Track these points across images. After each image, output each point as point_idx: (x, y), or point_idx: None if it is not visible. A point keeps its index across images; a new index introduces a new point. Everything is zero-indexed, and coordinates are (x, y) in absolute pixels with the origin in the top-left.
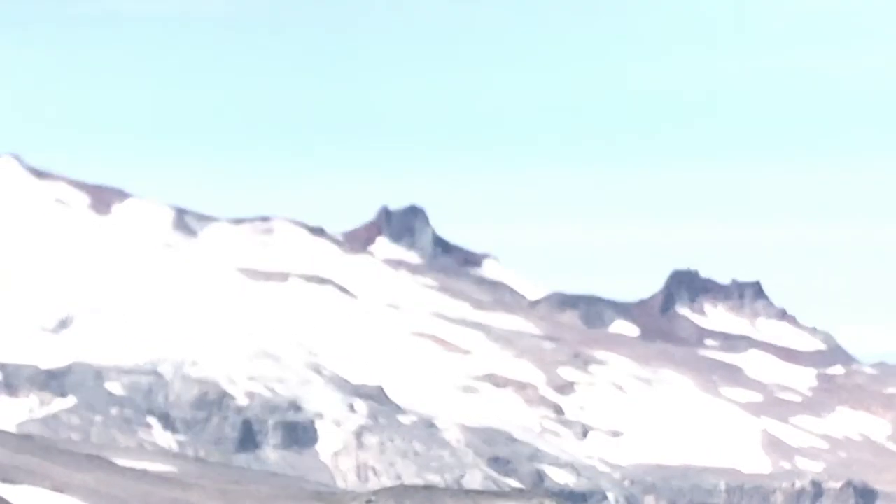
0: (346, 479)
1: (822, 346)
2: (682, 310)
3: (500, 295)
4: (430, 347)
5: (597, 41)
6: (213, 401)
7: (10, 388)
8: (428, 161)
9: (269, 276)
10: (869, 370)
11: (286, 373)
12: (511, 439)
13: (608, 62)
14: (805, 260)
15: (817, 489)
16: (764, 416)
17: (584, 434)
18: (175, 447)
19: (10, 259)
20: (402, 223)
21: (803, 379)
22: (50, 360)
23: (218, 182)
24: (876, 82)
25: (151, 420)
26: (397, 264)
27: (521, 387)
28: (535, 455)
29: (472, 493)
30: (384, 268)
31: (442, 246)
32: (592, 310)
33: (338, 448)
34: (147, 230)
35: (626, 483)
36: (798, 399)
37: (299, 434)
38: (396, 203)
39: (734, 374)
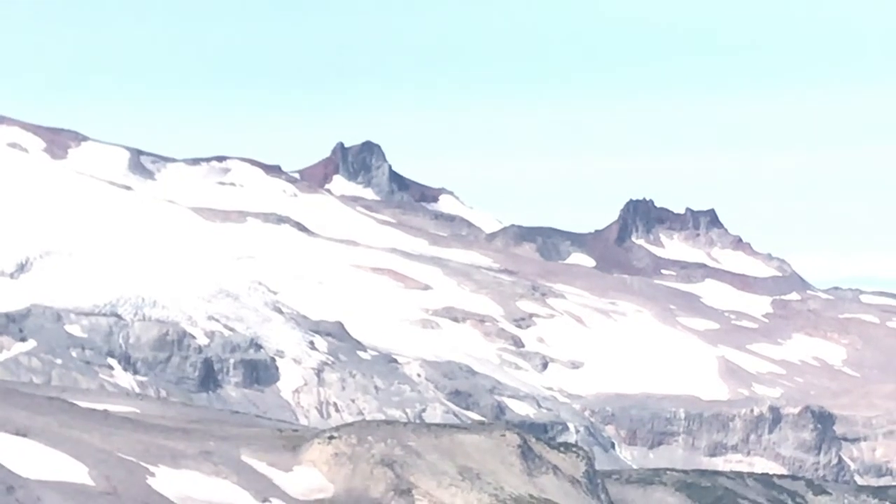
0: (307, 415)
1: (777, 273)
2: (638, 240)
3: (457, 229)
4: (388, 283)
5: None
6: (173, 341)
7: None
8: (383, 97)
9: (226, 216)
10: (824, 296)
11: (245, 311)
12: (471, 373)
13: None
14: (759, 187)
15: (775, 415)
16: (721, 343)
17: (544, 366)
18: (136, 388)
19: None
20: (358, 160)
21: (759, 306)
22: (9, 304)
23: (174, 123)
24: (831, 15)
25: (112, 361)
26: (354, 201)
27: (480, 320)
28: (496, 388)
29: (433, 427)
30: (341, 205)
31: (398, 182)
32: (549, 242)
33: (299, 385)
34: (104, 172)
35: (587, 413)
36: (754, 326)
37: (260, 372)
38: (352, 140)
39: (691, 303)
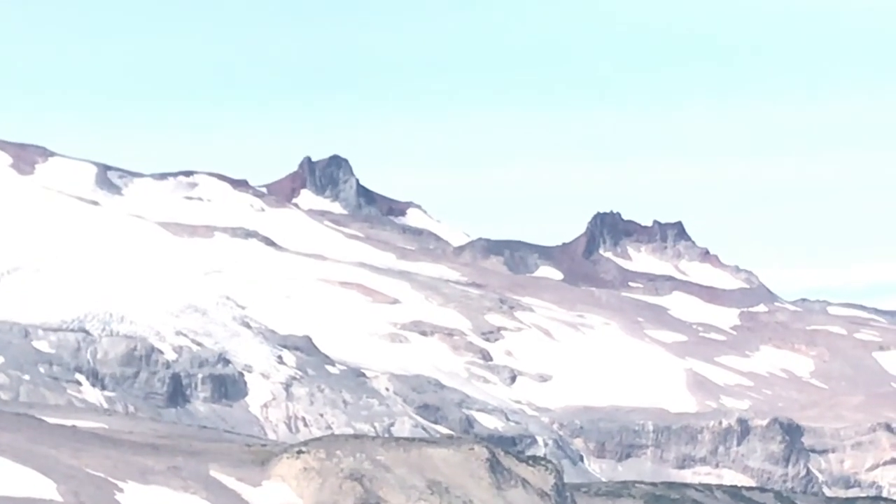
0: (276, 430)
1: (744, 285)
2: (606, 253)
3: (425, 243)
4: (356, 297)
5: None
6: (141, 356)
7: None
8: (350, 112)
9: (193, 231)
10: (791, 308)
11: (213, 326)
12: (439, 386)
13: (524, 8)
14: (726, 199)
15: (744, 427)
16: (689, 356)
17: (512, 379)
18: (104, 403)
19: None
20: (326, 174)
21: (727, 318)
22: None
23: (140, 138)
24: (795, 26)
25: (80, 377)
26: (321, 215)
27: (448, 334)
28: (464, 401)
29: (402, 441)
30: (308, 219)
31: (366, 196)
32: (516, 255)
33: (267, 399)
34: (71, 187)
35: (555, 426)
36: (722, 338)
37: (228, 387)
38: (319, 154)
39: (659, 316)
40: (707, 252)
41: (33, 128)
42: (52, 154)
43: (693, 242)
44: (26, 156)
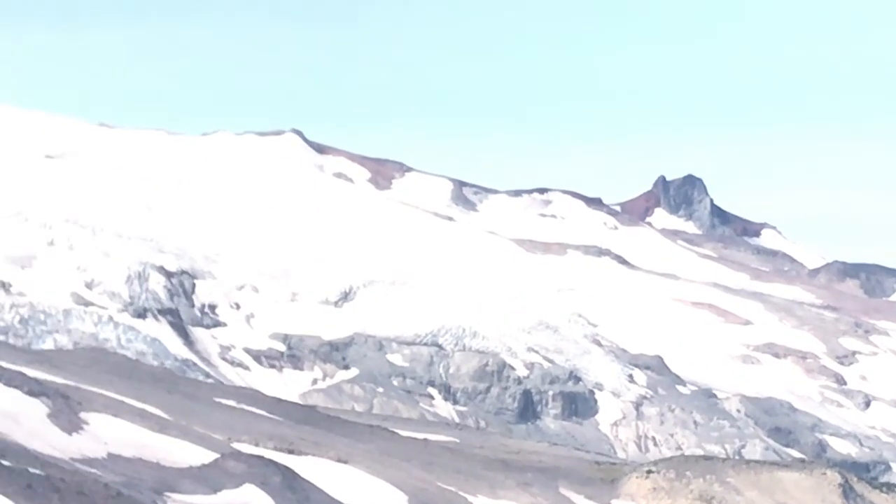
0: (625, 449)
1: None
2: None
3: (780, 264)
4: (708, 318)
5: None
6: (492, 372)
7: (295, 360)
8: (705, 131)
9: (547, 248)
10: None
11: (565, 343)
12: (792, 409)
13: (883, 28)
14: None
15: None
16: None
17: (867, 404)
18: (456, 418)
19: (292, 234)
20: (680, 193)
21: None
22: (332, 332)
23: (496, 155)
24: None
25: (433, 391)
26: (675, 234)
27: (802, 357)
28: (817, 425)
29: (753, 464)
30: (662, 238)
31: (720, 216)
32: (873, 279)
33: (617, 418)
34: (427, 203)
35: None
36: None
37: (579, 404)
38: (674, 173)
39: None
40: None
41: (391, 143)
42: (409, 169)
43: None
44: (384, 171)
